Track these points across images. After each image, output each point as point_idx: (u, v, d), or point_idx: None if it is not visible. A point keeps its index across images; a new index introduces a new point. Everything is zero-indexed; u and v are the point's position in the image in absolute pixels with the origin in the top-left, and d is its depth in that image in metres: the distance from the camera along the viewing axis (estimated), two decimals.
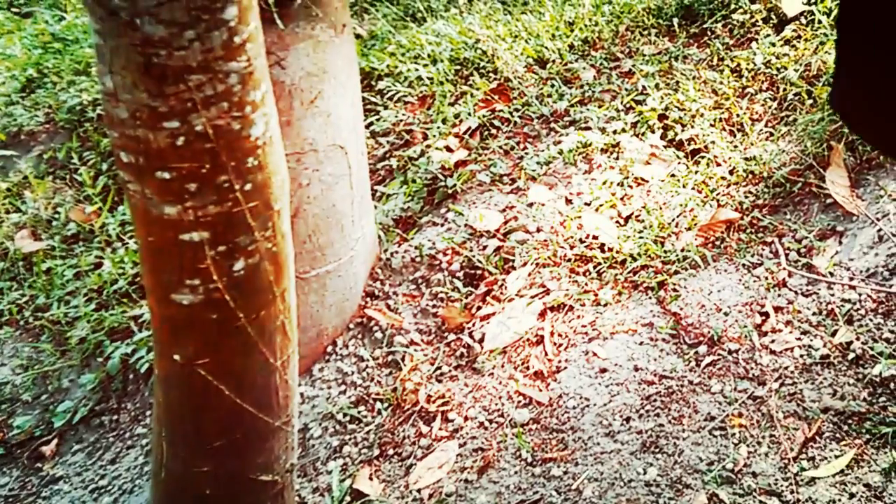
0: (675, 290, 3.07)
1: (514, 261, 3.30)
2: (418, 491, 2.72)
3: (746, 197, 3.35)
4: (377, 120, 4.17)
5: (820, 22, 3.85)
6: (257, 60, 1.59)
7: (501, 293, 3.21)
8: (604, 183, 3.52)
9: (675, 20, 4.30)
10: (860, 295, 2.85)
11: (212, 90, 1.51)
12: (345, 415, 3.00)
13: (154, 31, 1.42)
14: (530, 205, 3.50)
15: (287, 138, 2.61)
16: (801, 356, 2.74)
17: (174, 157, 1.53)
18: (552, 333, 3.05)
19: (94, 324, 3.50)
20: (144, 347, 3.31)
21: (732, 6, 4.23)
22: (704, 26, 4.21)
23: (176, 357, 1.76)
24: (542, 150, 3.78)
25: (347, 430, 2.97)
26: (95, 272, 3.69)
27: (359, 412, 3.00)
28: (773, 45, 3.90)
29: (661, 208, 3.40)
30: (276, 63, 2.53)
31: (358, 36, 4.85)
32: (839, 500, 2.30)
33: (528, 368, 2.97)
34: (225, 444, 1.91)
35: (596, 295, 3.14)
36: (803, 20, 3.97)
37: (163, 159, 1.53)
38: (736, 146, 3.58)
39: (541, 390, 2.88)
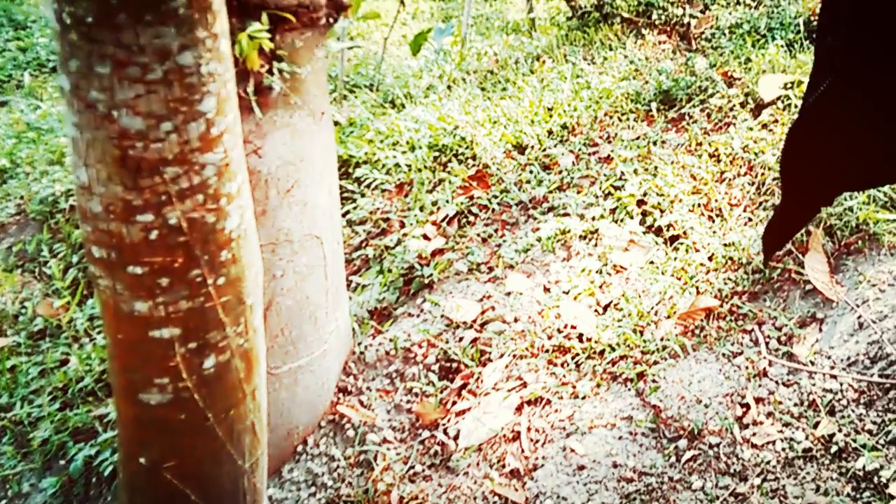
0: (654, 381, 3.03)
1: (490, 352, 3.25)
2: None
3: (726, 283, 3.34)
4: (354, 208, 4.15)
5: (796, 106, 3.90)
6: (234, 151, 1.56)
7: (477, 387, 3.15)
8: (582, 270, 3.50)
9: (654, 105, 4.35)
10: (841, 384, 2.83)
11: (187, 183, 1.48)
12: None
13: (131, 124, 1.39)
14: (508, 294, 3.47)
15: (262, 228, 2.58)
16: (783, 450, 2.70)
17: (147, 251, 1.49)
18: (529, 429, 2.99)
19: (58, 424, 3.38)
20: (108, 449, 3.20)
21: (710, 91, 4.28)
22: (682, 111, 4.26)
23: (141, 460, 1.69)
24: (521, 238, 3.76)
25: None
26: (61, 369, 3.59)
27: None
28: (751, 129, 3.95)
29: (640, 296, 3.38)
30: (254, 152, 2.51)
31: (336, 123, 4.87)
32: None
33: (503, 466, 2.89)
34: None
35: (574, 387, 3.09)
36: (780, 105, 4.03)
37: (135, 254, 1.49)
38: (715, 232, 3.58)
39: (517, 490, 2.80)
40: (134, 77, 1.37)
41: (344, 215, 4.07)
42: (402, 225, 3.99)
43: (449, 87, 5.20)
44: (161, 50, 1.37)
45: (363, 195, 4.24)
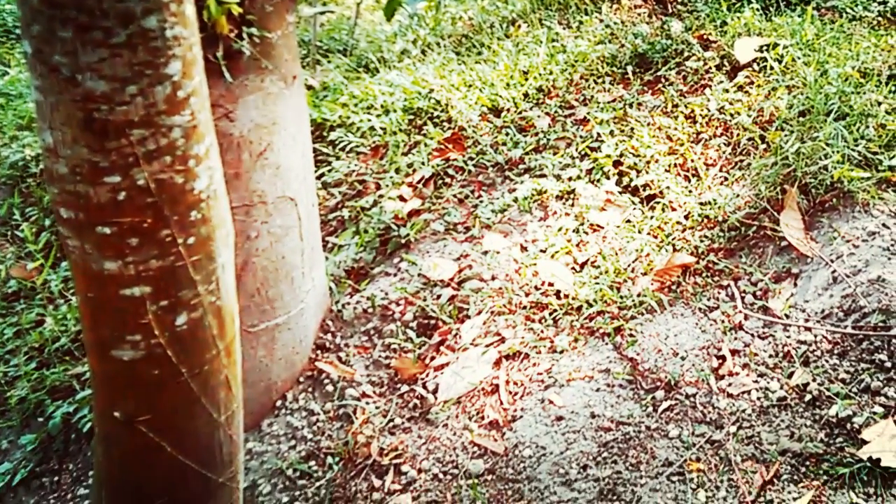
0: (631, 335, 3.07)
1: (468, 309, 3.28)
2: None
3: (702, 241, 3.37)
4: (329, 171, 4.17)
5: (772, 68, 3.91)
6: (201, 114, 1.58)
7: (456, 342, 3.19)
8: (559, 230, 3.53)
9: (630, 68, 4.35)
10: (816, 336, 2.87)
11: (154, 144, 1.49)
12: (295, 470, 2.95)
13: (96, 87, 1.40)
14: (485, 253, 3.50)
15: (235, 191, 2.60)
16: (759, 399, 2.74)
17: (115, 211, 1.50)
18: (507, 382, 3.03)
19: (35, 383, 3.43)
20: (87, 406, 3.25)
21: (686, 54, 4.29)
22: (658, 74, 4.27)
23: (116, 414, 1.72)
24: (497, 198, 3.79)
25: (297, 485, 2.92)
26: (37, 330, 3.63)
27: (309, 467, 2.96)
28: (727, 91, 3.96)
29: (616, 254, 3.41)
30: (225, 115, 2.52)
31: (310, 87, 4.87)
32: None
33: (482, 418, 2.94)
34: (167, 501, 1.87)
35: (552, 342, 3.13)
36: (755, 66, 4.04)
37: (103, 214, 1.51)
38: (691, 191, 3.61)
39: (496, 440, 2.85)
40: (97, 41, 1.38)
41: (319, 178, 4.09)
42: (378, 187, 4.01)
43: (423, 52, 5.19)
44: (124, 14, 1.38)
45: (338, 158, 4.26)
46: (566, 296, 3.25)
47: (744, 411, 2.72)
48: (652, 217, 3.55)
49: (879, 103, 3.50)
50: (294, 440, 3.04)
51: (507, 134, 4.12)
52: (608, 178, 3.76)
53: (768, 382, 2.79)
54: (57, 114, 1.44)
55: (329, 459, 2.97)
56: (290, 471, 2.95)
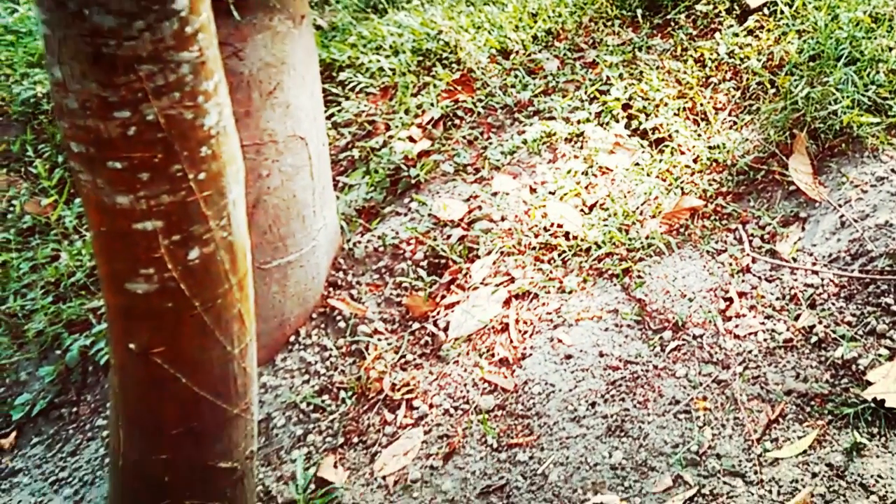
0: (639, 276, 3.08)
1: (478, 249, 3.31)
2: (383, 478, 2.73)
3: (710, 185, 3.38)
4: (339, 111, 4.17)
5: (782, 12, 3.88)
6: (209, 50, 1.58)
7: (466, 282, 3.22)
8: (568, 172, 3.54)
9: (639, 11, 4.32)
10: (823, 280, 2.88)
11: (163, 80, 1.50)
12: (308, 404, 3.00)
13: (103, 21, 1.40)
14: (494, 194, 3.51)
15: (246, 129, 2.60)
16: (765, 340, 2.76)
17: (126, 146, 1.51)
18: (517, 321, 3.06)
19: (52, 316, 3.48)
20: (103, 339, 3.29)
21: None
22: (668, 17, 4.23)
23: (131, 346, 1.74)
24: (506, 140, 3.79)
25: (311, 418, 2.97)
26: (52, 265, 3.67)
27: (322, 401, 3.00)
28: (737, 35, 3.93)
29: (625, 196, 3.42)
30: (234, 54, 2.52)
31: (318, 27, 4.85)
32: (802, 479, 2.32)
33: (493, 356, 2.98)
34: (182, 431, 1.90)
35: (561, 282, 3.15)
36: (766, 11, 4.00)
37: (114, 149, 1.52)
38: (700, 135, 3.60)
39: (506, 377, 2.89)
40: None
41: (329, 118, 4.10)
42: (388, 127, 4.01)
43: None
44: None
45: (347, 98, 4.26)
46: (575, 237, 3.27)
47: (750, 352, 2.74)
48: (661, 160, 3.55)
49: (890, 49, 3.47)
50: (307, 375, 3.08)
51: (516, 76, 4.11)
52: (617, 121, 3.76)
53: (775, 324, 2.81)
54: (65, 48, 1.44)
55: (342, 394, 3.02)
56: (304, 404, 3.00)
